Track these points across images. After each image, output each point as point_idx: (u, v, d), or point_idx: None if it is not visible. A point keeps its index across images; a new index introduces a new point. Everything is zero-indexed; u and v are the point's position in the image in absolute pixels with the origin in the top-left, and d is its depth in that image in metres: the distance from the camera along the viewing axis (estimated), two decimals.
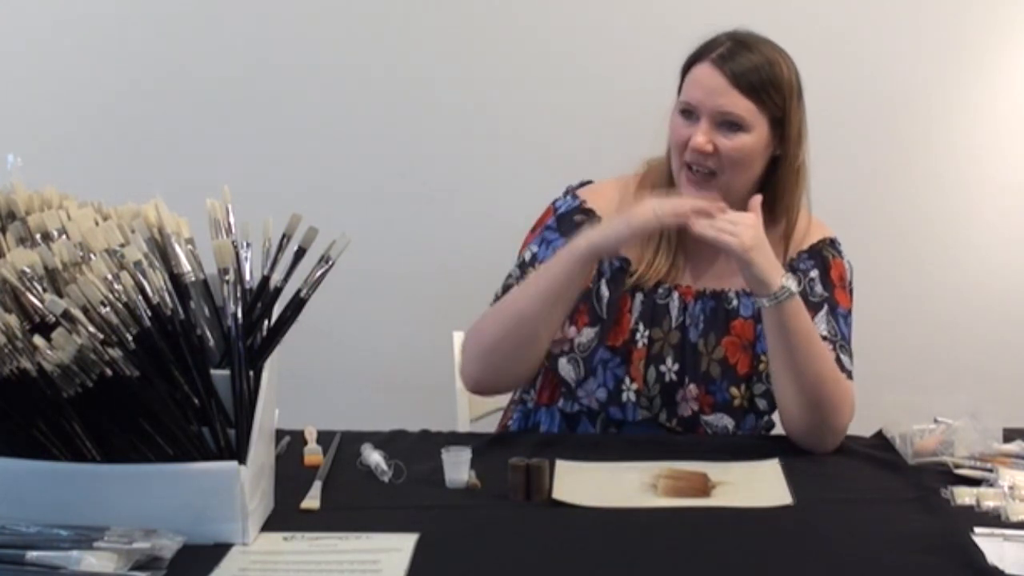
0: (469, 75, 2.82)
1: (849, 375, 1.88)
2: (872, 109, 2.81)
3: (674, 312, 1.95)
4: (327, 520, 1.54)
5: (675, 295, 1.95)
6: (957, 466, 1.70)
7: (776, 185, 1.92)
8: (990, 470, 1.68)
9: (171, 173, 2.74)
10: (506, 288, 1.95)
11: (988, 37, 2.79)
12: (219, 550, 1.43)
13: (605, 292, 1.94)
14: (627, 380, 1.94)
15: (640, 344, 1.94)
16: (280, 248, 1.56)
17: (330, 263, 1.57)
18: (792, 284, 1.78)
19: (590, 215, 1.96)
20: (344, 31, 2.82)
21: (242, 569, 1.40)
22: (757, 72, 1.85)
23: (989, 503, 1.57)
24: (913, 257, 2.87)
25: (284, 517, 1.55)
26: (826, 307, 1.92)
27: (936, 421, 1.82)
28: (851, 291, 1.99)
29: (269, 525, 1.52)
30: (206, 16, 2.82)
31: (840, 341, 1.90)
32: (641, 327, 1.94)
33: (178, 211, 1.57)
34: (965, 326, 2.86)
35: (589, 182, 2.04)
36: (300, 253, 1.56)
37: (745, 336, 1.94)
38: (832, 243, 2.00)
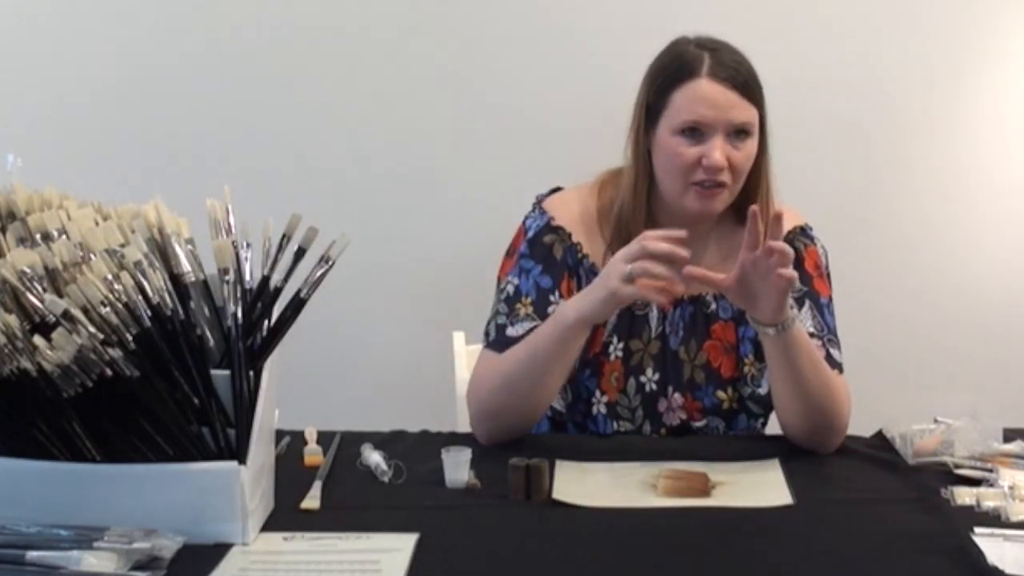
0: (470, 75, 2.82)
1: (840, 368, 1.87)
2: (875, 110, 2.81)
3: (653, 323, 1.94)
4: (327, 520, 1.54)
5: (653, 306, 1.93)
6: (957, 466, 1.70)
7: (755, 182, 1.90)
8: (990, 470, 1.68)
9: (171, 173, 2.74)
10: (499, 328, 1.89)
11: (988, 35, 2.79)
12: (219, 550, 1.43)
13: None
14: (597, 393, 1.94)
15: (612, 357, 1.93)
16: (280, 248, 1.56)
17: (330, 263, 1.57)
18: (794, 311, 1.76)
19: (559, 232, 1.94)
20: (344, 31, 2.82)
21: (242, 569, 1.40)
22: (748, 75, 1.84)
23: (989, 503, 1.57)
24: (914, 257, 2.87)
25: (284, 517, 1.55)
26: (808, 301, 1.90)
27: (936, 421, 1.82)
28: (828, 276, 1.97)
29: (269, 525, 1.52)
30: (205, 17, 2.82)
31: (828, 335, 1.89)
32: (615, 340, 1.93)
33: (178, 211, 1.58)
34: (965, 326, 2.86)
35: (557, 188, 2.03)
36: (300, 253, 1.56)
37: (727, 339, 1.93)
38: (803, 231, 1.98)
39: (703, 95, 1.82)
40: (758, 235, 1.69)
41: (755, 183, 1.90)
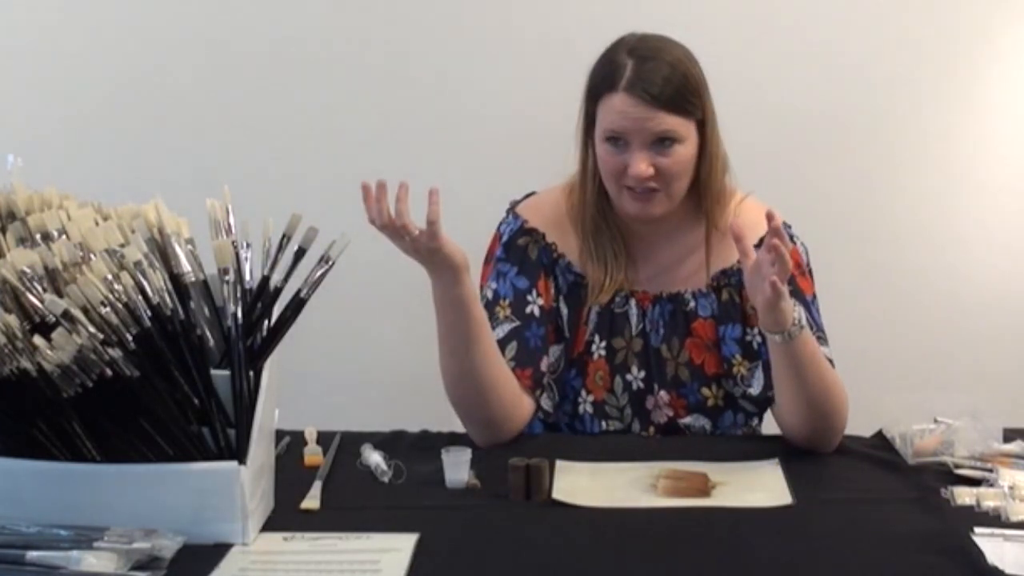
0: (471, 75, 2.82)
1: (832, 364, 1.87)
2: (873, 110, 2.81)
3: (633, 320, 1.95)
4: (327, 520, 1.54)
5: (632, 302, 1.95)
6: (957, 466, 1.70)
7: (705, 178, 1.91)
8: (990, 470, 1.68)
9: (171, 173, 2.74)
10: None
11: (982, 35, 2.79)
12: (219, 550, 1.43)
13: (564, 309, 1.94)
14: (583, 392, 1.95)
15: (596, 356, 1.94)
16: (280, 248, 1.56)
17: (330, 263, 1.57)
18: (800, 313, 1.75)
19: (532, 234, 1.95)
20: (344, 33, 2.81)
21: (242, 569, 1.40)
22: (670, 83, 1.83)
23: (989, 503, 1.57)
24: (914, 257, 2.86)
25: (284, 517, 1.55)
26: (794, 301, 1.90)
27: (936, 421, 1.82)
28: (810, 273, 1.97)
29: (269, 525, 1.52)
30: (206, 17, 2.81)
31: (817, 332, 1.88)
32: (597, 338, 1.94)
33: (178, 211, 1.57)
34: (965, 326, 2.85)
35: (532, 193, 2.04)
36: (300, 253, 1.56)
37: (707, 336, 1.94)
38: None
39: (618, 108, 1.84)
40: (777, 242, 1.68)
41: (706, 181, 1.91)
